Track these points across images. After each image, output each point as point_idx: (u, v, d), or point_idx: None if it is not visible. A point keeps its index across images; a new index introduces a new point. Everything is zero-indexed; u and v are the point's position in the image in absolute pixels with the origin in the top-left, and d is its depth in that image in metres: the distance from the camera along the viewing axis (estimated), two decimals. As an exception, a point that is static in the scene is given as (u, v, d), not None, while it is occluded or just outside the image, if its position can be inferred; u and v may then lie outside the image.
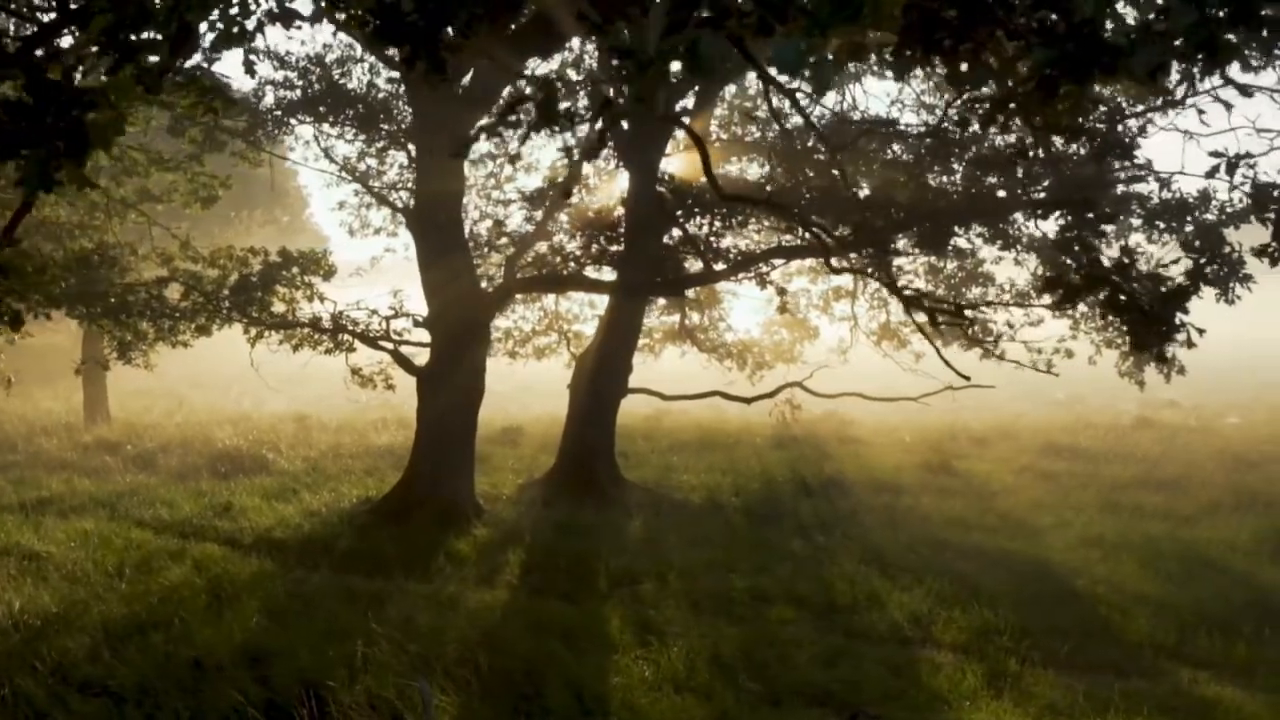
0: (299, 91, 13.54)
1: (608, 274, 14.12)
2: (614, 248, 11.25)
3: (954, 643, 8.06)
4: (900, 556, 10.73)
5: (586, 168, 14.14)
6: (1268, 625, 8.21)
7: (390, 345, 12.60)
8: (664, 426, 21.89)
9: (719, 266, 11.24)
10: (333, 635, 7.20)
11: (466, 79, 11.44)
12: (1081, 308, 15.95)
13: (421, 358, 12.95)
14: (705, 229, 10.98)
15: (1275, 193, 4.74)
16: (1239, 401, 27.72)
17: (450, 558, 10.55)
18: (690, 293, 17.40)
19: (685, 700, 6.47)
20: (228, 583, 9.12)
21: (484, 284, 12.92)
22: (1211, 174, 4.73)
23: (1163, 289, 3.70)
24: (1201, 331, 4.20)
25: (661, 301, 20.90)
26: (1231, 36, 2.56)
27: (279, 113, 13.55)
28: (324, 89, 12.98)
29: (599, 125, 3.31)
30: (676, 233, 12.62)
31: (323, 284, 14.04)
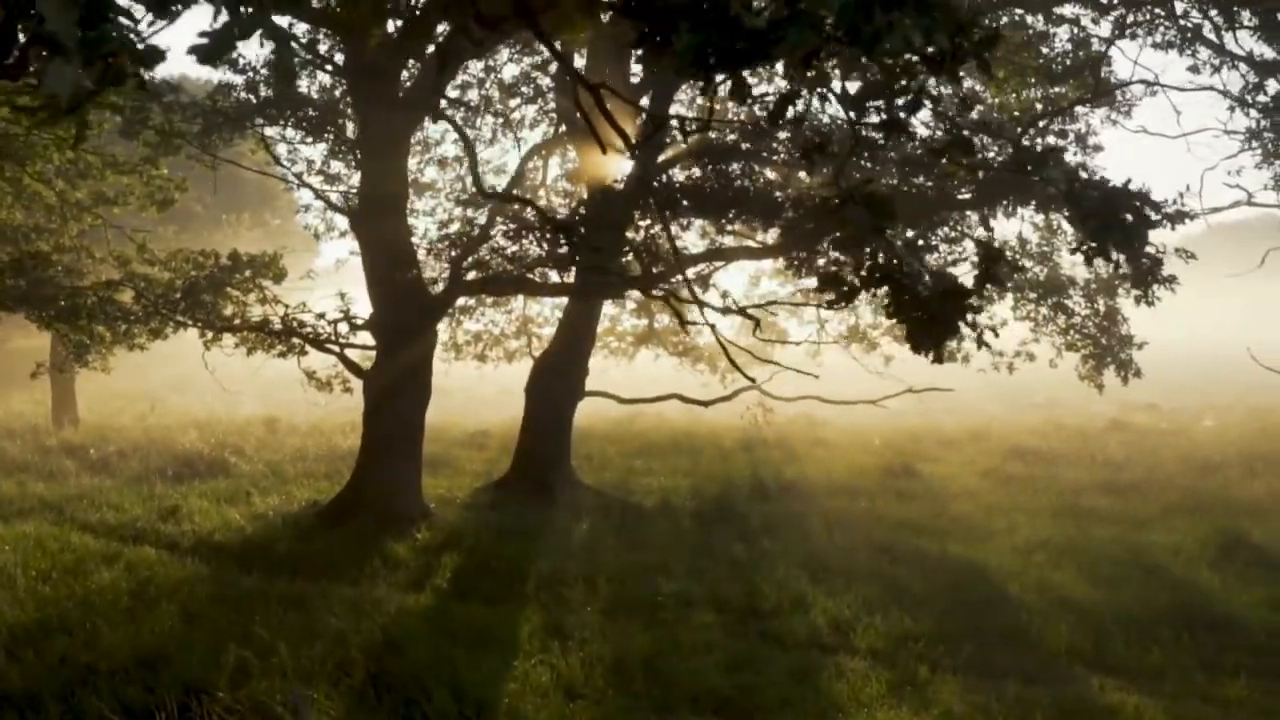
0: (251, 95, 13.59)
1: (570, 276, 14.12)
2: (559, 249, 11.21)
3: (870, 649, 8.01)
4: (838, 560, 10.67)
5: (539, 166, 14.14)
6: (1186, 631, 8.14)
7: (337, 348, 12.59)
8: (634, 429, 21.89)
9: (658, 269, 11.20)
10: (234, 639, 7.16)
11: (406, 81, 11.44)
12: (1044, 310, 15.93)
13: (374, 361, 12.94)
14: (644, 232, 10.95)
15: (1082, 187, 4.62)
16: (1220, 403, 27.59)
17: (385, 561, 10.53)
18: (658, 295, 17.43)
19: (574, 706, 6.44)
20: (153, 587, 9.11)
21: (433, 287, 12.89)
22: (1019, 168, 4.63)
23: (944, 288, 3.64)
24: (996, 333, 4.11)
25: (631, 305, 20.94)
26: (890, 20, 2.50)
27: (230, 117, 13.55)
28: (275, 93, 13.00)
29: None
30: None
31: (275, 287, 14.09)
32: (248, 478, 15.57)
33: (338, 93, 13.18)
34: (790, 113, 3.55)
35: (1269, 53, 11.66)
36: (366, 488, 12.35)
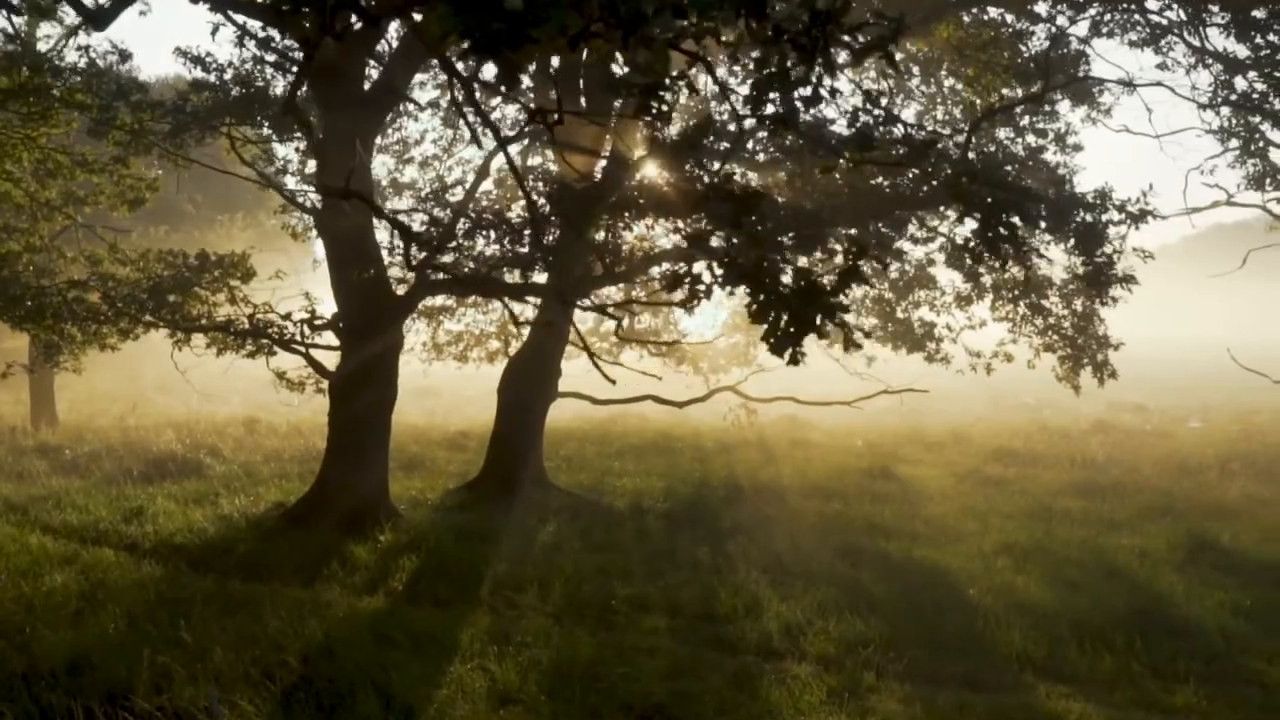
0: (220, 94, 13.52)
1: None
2: (520, 249, 11.13)
3: (819, 654, 7.90)
4: (801, 564, 10.57)
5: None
6: (1141, 636, 8.02)
7: (302, 349, 12.51)
8: (618, 430, 21.81)
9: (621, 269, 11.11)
10: (170, 643, 7.09)
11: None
12: (1022, 310, 15.82)
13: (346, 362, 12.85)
14: (603, 233, 10.86)
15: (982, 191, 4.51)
16: (1212, 403, 27.42)
17: (344, 563, 10.43)
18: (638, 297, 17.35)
19: (506, 712, 6.35)
20: (103, 589, 9.04)
21: (401, 288, 12.82)
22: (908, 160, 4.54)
23: (802, 285, 3.52)
24: (868, 334, 3.98)
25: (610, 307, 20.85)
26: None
27: (199, 116, 13.49)
28: (241, 92, 12.93)
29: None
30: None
31: (245, 287, 13.99)
32: (220, 479, 15.51)
33: (301, 91, 13.08)
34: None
35: (1242, 50, 11.54)
36: (331, 489, 12.27)
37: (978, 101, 13.72)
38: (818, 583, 9.75)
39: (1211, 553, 10.86)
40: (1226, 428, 21.64)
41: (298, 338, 12.39)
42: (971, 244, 4.44)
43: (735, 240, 3.65)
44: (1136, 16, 11.86)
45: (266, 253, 20.45)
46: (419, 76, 16.87)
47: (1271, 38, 10.54)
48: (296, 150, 13.46)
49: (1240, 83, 11.40)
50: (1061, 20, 13.74)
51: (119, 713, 5.96)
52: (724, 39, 3.04)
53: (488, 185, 18.06)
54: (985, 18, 12.73)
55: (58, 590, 8.93)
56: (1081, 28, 16.57)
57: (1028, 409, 27.07)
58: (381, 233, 12.89)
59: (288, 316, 12.61)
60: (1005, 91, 13.87)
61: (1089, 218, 9.46)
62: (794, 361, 3.76)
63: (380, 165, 18.45)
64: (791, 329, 3.60)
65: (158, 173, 15.88)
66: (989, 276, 15.30)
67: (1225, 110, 11.86)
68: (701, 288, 3.82)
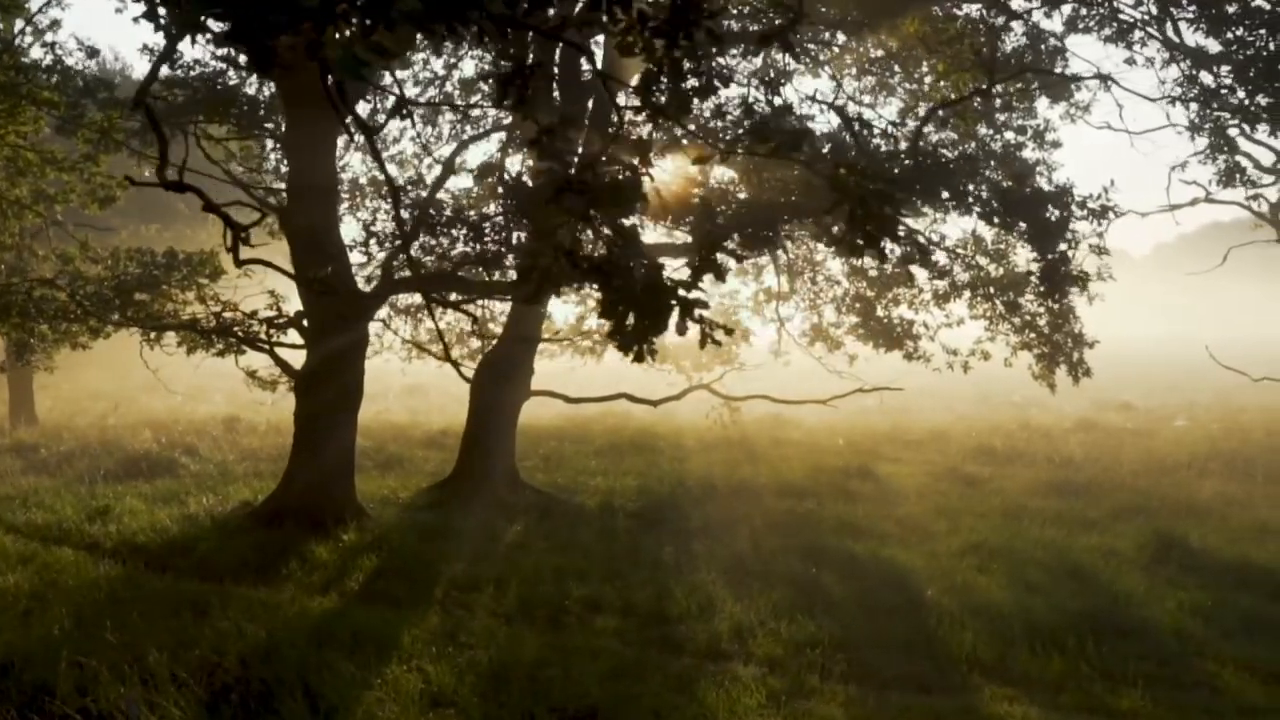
0: (191, 93, 13.46)
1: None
2: (481, 246, 11.05)
3: (766, 656, 7.82)
4: (763, 564, 10.49)
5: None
6: (1095, 638, 7.92)
7: (267, 346, 12.45)
8: (599, 429, 21.72)
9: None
10: (104, 644, 7.03)
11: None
12: (999, 308, 15.70)
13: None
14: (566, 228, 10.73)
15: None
16: (1200, 401, 27.27)
17: (304, 563, 10.38)
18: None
19: (435, 715, 6.28)
20: (57, 589, 8.99)
21: (368, 286, 12.75)
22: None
23: (650, 282, 3.44)
24: (730, 331, 3.91)
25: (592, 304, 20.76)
26: None
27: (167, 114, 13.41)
28: (207, 91, 12.87)
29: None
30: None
31: (214, 285, 13.94)
32: (194, 478, 15.48)
33: (266, 91, 13.04)
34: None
35: (1214, 45, 11.42)
36: (296, 488, 12.22)
37: (953, 96, 13.62)
38: (776, 583, 9.68)
39: (1178, 553, 10.76)
40: (1209, 426, 21.51)
41: (262, 336, 12.32)
42: (845, 237, 4.34)
43: (587, 234, 3.57)
44: (1103, 11, 11.74)
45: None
46: (399, 74, 16.79)
47: (1240, 31, 10.41)
48: (261, 148, 13.36)
49: (1207, 78, 11.29)
50: (1037, 14, 13.64)
51: (34, 714, 5.91)
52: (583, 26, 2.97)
53: (468, 183, 18.00)
54: (958, 12, 12.61)
55: (9, 590, 8.89)
56: (1056, 23, 16.47)
57: (1014, 407, 26.93)
58: (349, 229, 12.86)
59: (253, 314, 12.56)
60: (983, 87, 13.77)
61: (1047, 213, 9.35)
62: (639, 359, 3.67)
63: (360, 163, 18.34)
64: (642, 324, 3.51)
65: (149, 172, 15.76)
66: (966, 274, 15.19)
67: (1195, 106, 11.74)
68: (546, 281, 3.73)
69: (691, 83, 3.70)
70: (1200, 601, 9.14)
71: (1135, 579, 9.93)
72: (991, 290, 14.41)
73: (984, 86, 10.87)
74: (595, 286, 3.69)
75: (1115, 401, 25.19)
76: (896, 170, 9.14)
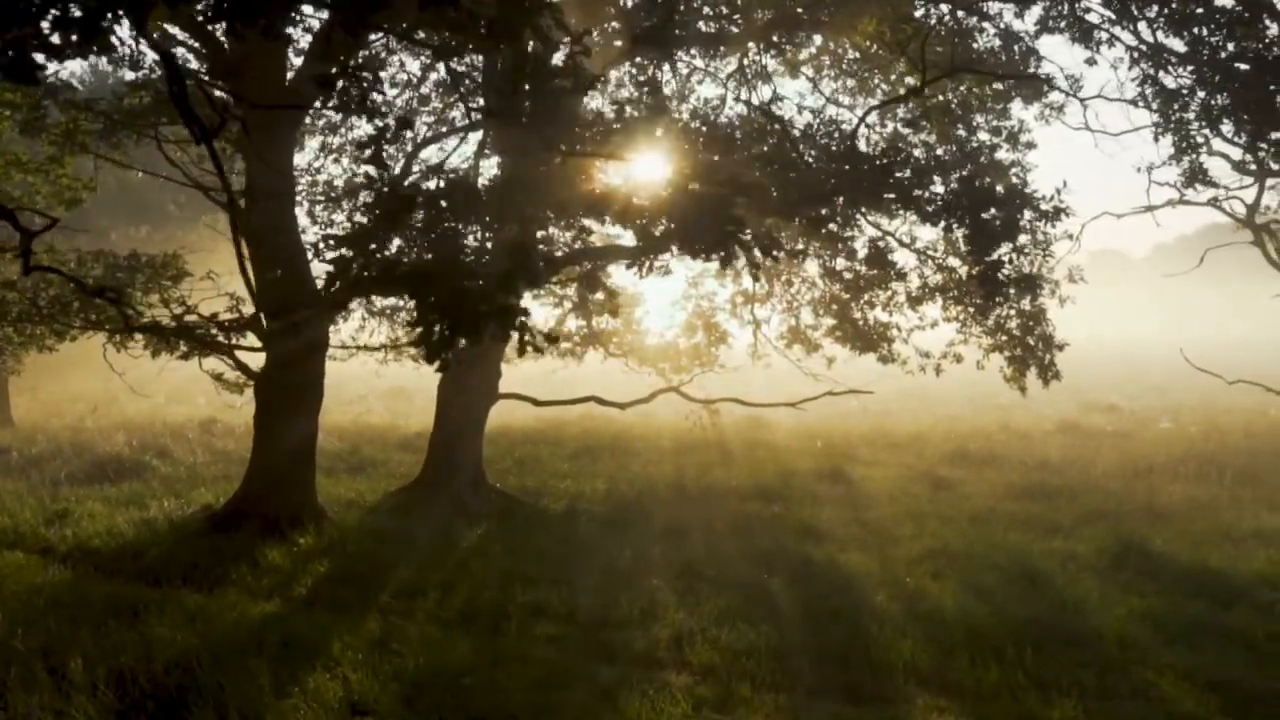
0: (154, 95, 13.40)
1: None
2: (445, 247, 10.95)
3: (703, 664, 7.73)
4: (715, 568, 10.39)
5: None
6: (1033, 647, 7.83)
7: (226, 349, 12.40)
8: (575, 431, 21.65)
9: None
10: (27, 650, 6.98)
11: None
12: (970, 310, 15.59)
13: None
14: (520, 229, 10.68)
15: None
16: (1186, 403, 27.11)
17: (255, 568, 10.31)
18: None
19: (349, 724, 6.21)
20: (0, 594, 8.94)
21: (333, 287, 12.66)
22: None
23: (453, 291, 3.35)
24: (554, 339, 3.82)
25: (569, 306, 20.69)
26: None
27: (129, 116, 13.38)
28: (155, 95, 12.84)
29: None
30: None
31: (178, 288, 13.90)
32: (163, 481, 15.42)
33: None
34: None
35: (1178, 44, 11.31)
36: (255, 491, 12.15)
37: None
38: (726, 588, 9.60)
39: (1137, 558, 10.66)
40: (1189, 429, 21.36)
41: (220, 338, 12.27)
42: (694, 245, 4.25)
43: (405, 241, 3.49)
44: (1066, 9, 11.63)
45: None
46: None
47: (1202, 31, 10.29)
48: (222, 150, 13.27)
49: (1168, 80, 11.16)
50: (1008, 15, 13.55)
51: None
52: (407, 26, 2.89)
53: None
54: (915, 12, 12.51)
55: (-51, 595, 8.84)
56: (1028, 23, 16.39)
57: (999, 410, 26.78)
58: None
59: (213, 317, 12.51)
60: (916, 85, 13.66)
61: (989, 215, 9.25)
62: (444, 368, 3.59)
63: (337, 165, 18.31)
64: (444, 335, 3.43)
65: (139, 172, 15.75)
66: (938, 276, 15.11)
67: (1156, 106, 11.62)
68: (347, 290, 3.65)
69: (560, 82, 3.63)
70: (1152, 608, 9.04)
71: (1090, 584, 9.83)
72: (960, 293, 14.31)
73: (918, 85, 10.75)
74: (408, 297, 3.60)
75: (1102, 403, 25.04)
76: (834, 168, 9.04)
